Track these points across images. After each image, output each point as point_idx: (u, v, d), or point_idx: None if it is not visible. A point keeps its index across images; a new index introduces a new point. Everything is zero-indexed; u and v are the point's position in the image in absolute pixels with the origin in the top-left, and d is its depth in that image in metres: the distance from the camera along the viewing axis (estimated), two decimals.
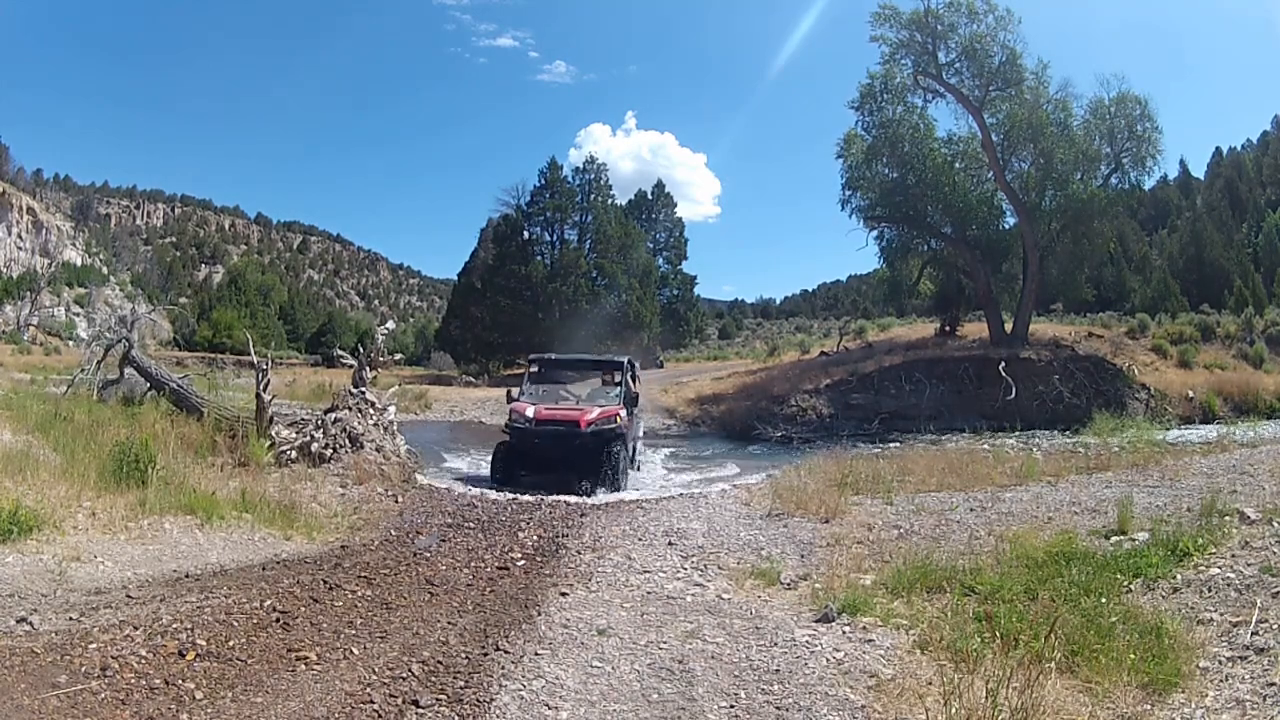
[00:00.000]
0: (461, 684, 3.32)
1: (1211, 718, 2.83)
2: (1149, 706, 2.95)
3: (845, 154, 27.07)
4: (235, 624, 3.92)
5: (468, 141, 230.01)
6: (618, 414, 10.23)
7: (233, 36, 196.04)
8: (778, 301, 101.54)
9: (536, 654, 3.67)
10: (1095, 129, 25.04)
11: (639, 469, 12.21)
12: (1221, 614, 3.69)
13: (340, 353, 18.00)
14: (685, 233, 51.37)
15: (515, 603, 4.59)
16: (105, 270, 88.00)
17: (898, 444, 14.93)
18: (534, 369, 11.98)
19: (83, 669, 3.23)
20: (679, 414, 22.18)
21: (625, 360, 11.56)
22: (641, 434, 13.35)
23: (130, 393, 10.66)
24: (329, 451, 8.62)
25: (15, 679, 3.09)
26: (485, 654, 3.67)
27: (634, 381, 11.63)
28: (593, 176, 41.85)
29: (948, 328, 30.04)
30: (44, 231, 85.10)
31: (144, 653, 3.44)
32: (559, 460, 9.87)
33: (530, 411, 10.01)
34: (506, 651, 3.70)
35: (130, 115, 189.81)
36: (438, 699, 3.18)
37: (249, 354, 11.39)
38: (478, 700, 3.16)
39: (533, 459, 10.03)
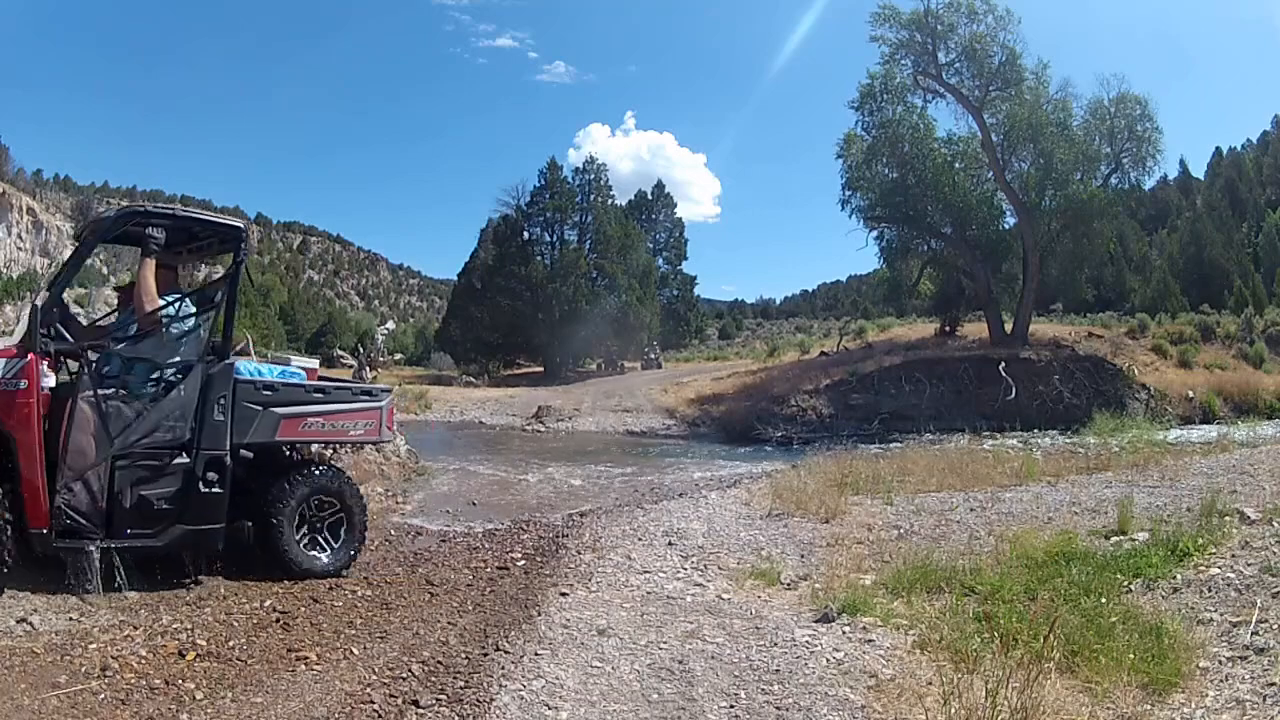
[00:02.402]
0: (461, 684, 3.31)
1: (1211, 718, 2.82)
2: (1149, 706, 2.94)
3: (845, 154, 27.18)
4: (235, 624, 3.93)
5: (468, 141, 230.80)
6: None
7: (232, 37, 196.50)
8: (778, 302, 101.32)
9: (536, 654, 3.67)
10: (1095, 129, 25.12)
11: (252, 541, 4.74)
12: (1221, 614, 3.69)
13: (340, 353, 18.04)
14: (685, 233, 51.61)
15: (515, 603, 4.59)
16: (105, 270, 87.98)
17: (898, 444, 14.92)
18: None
19: (83, 669, 3.23)
20: (679, 414, 22.23)
21: (130, 212, 4.58)
22: (297, 431, 5.07)
23: None
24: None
25: (15, 679, 3.09)
26: (485, 654, 3.67)
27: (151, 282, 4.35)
28: (592, 177, 41.92)
29: (948, 328, 30.07)
30: (44, 231, 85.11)
31: (144, 653, 3.45)
32: None
33: None
34: (506, 651, 3.70)
35: (130, 115, 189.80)
36: (438, 699, 3.17)
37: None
38: (478, 700, 3.15)
39: None
